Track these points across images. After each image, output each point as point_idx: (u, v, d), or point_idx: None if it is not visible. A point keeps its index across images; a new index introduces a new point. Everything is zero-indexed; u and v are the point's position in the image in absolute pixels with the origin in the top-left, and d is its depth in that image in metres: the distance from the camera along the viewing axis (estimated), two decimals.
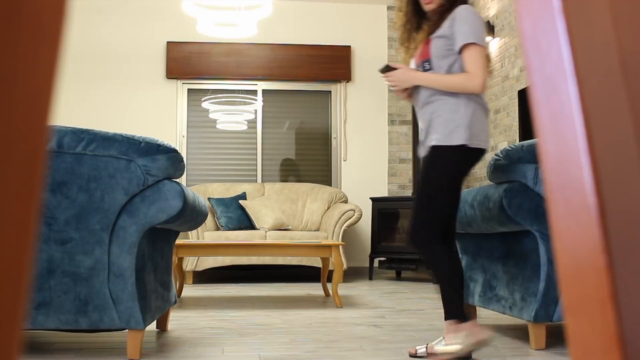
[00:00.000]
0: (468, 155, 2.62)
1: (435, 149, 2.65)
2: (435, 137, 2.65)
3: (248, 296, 4.98)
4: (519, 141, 6.22)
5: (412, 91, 2.79)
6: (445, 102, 2.65)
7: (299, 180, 7.50)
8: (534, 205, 2.80)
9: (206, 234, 6.25)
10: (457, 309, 2.62)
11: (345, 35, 7.58)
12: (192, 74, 7.31)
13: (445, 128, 2.62)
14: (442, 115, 2.64)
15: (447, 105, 2.64)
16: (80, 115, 6.99)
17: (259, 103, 7.28)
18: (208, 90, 7.29)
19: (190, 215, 2.88)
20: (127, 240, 2.62)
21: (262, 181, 7.41)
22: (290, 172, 7.60)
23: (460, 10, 2.64)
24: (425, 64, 2.73)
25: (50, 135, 0.38)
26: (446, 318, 2.64)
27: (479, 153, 2.64)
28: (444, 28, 2.67)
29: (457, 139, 2.58)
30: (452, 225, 2.78)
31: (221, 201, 6.60)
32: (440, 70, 2.66)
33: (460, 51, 2.63)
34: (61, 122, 3.11)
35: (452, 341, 2.60)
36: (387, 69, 2.75)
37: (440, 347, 2.64)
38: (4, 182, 0.33)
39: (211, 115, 7.08)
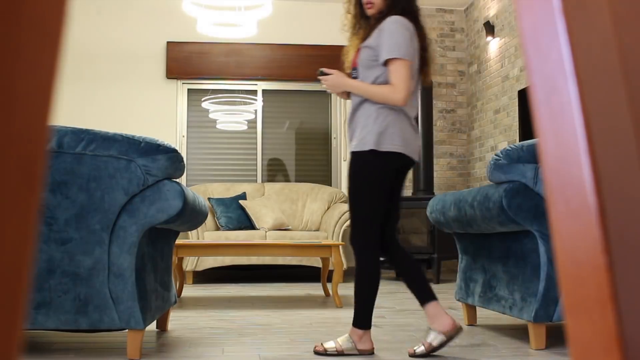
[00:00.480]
0: (380, 159, 2.72)
1: (352, 155, 2.79)
2: (354, 143, 2.79)
3: (248, 296, 4.98)
4: (519, 141, 6.22)
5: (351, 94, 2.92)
6: (367, 109, 2.78)
7: (299, 180, 7.50)
8: (534, 205, 2.80)
9: (206, 234, 6.25)
10: (364, 318, 2.81)
11: (346, 35, 7.57)
12: (192, 74, 7.31)
13: (360, 135, 2.76)
14: (361, 122, 2.78)
15: (367, 113, 2.77)
16: (80, 115, 6.99)
17: (259, 103, 7.28)
18: (208, 90, 7.29)
19: (190, 215, 2.88)
20: (127, 240, 2.62)
21: (262, 181, 7.41)
22: (280, 171, 7.59)
23: (388, 23, 2.71)
24: (354, 72, 2.90)
25: (50, 135, 0.38)
26: (354, 324, 2.82)
27: (394, 157, 2.73)
28: (372, 38, 2.77)
29: (367, 144, 2.71)
30: (389, 227, 2.93)
31: (221, 201, 6.60)
32: (366, 80, 2.78)
33: (385, 64, 2.72)
34: (61, 122, 3.11)
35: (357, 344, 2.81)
36: (322, 74, 2.91)
37: (431, 337, 2.75)
38: (4, 182, 0.33)
39: (211, 115, 7.08)
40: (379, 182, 2.75)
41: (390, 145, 2.70)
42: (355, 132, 2.79)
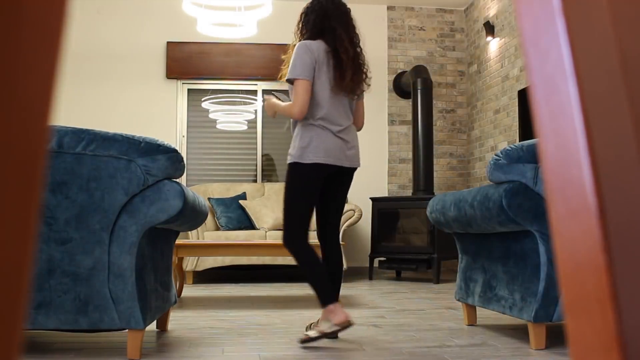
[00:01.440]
0: (305, 169, 3.12)
1: (287, 166, 3.22)
2: (288, 157, 3.22)
3: (248, 296, 4.98)
4: (519, 141, 6.22)
5: None
6: (296, 127, 3.23)
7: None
8: (534, 205, 2.80)
9: (206, 234, 6.25)
10: (325, 296, 3.03)
11: None
12: (192, 74, 7.31)
13: (290, 150, 3.21)
14: (293, 138, 3.24)
15: (295, 131, 3.23)
16: (80, 115, 6.99)
17: (259, 103, 7.28)
18: (208, 90, 7.29)
19: (190, 215, 2.88)
20: (127, 240, 2.62)
21: (262, 181, 7.41)
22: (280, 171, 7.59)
23: (295, 48, 3.19)
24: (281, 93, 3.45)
25: (50, 135, 0.38)
26: (321, 305, 3.05)
27: (316, 167, 3.11)
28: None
29: (292, 158, 3.14)
30: (329, 226, 3.31)
31: (221, 201, 6.60)
32: (292, 99, 3.19)
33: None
34: (61, 122, 3.11)
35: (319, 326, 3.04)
36: (271, 94, 3.46)
37: (324, 326, 3.01)
38: (4, 182, 0.33)
39: (211, 115, 7.08)
40: (301, 190, 3.14)
41: (313, 157, 3.10)
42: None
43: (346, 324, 2.96)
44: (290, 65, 3.13)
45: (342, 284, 5.80)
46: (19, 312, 0.34)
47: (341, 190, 3.30)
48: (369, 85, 3.36)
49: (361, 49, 3.33)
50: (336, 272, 3.27)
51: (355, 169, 3.28)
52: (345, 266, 5.94)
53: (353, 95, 3.25)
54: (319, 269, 3.08)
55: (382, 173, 7.59)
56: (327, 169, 3.12)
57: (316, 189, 3.15)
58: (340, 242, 3.43)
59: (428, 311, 4.16)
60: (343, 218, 6.34)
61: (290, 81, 3.12)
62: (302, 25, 3.25)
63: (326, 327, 2.97)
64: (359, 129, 3.43)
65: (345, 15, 3.23)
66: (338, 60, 3.13)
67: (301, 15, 3.27)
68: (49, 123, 0.35)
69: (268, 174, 7.51)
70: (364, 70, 3.29)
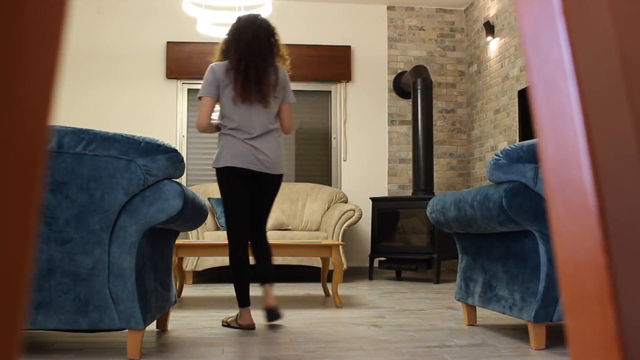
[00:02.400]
0: (220, 173, 3.57)
1: None
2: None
3: None
4: (519, 141, 6.22)
5: None
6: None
7: (299, 180, 7.50)
8: (534, 205, 2.80)
9: (206, 234, 6.25)
10: (238, 298, 3.53)
11: (345, 35, 7.58)
12: (192, 74, 7.31)
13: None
14: None
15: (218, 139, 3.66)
16: (80, 115, 6.99)
17: None
18: None
19: (190, 215, 2.88)
20: (127, 240, 2.62)
21: None
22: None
23: None
24: None
25: (50, 135, 0.38)
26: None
27: (226, 170, 3.52)
28: None
29: (212, 163, 3.59)
30: (254, 226, 3.66)
31: (221, 201, 6.60)
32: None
33: None
34: (61, 122, 3.11)
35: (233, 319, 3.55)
36: None
37: (232, 319, 3.55)
38: (4, 182, 0.33)
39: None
40: (223, 190, 3.57)
41: (223, 162, 3.52)
42: None
43: (249, 327, 3.46)
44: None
45: (342, 284, 5.82)
46: (19, 312, 0.34)
47: (261, 195, 3.64)
48: (287, 96, 3.66)
49: (276, 59, 3.61)
50: (266, 267, 3.66)
51: (275, 176, 3.59)
52: (345, 266, 5.94)
53: (266, 103, 3.53)
54: (240, 275, 3.54)
55: (382, 173, 7.59)
56: (237, 171, 3.51)
57: (236, 190, 3.55)
58: (268, 242, 3.74)
59: (428, 311, 4.16)
60: (343, 218, 6.34)
61: (199, 98, 3.56)
62: (220, 49, 3.66)
63: (233, 321, 3.52)
64: (287, 133, 3.73)
65: (254, 31, 3.55)
66: (240, 76, 3.48)
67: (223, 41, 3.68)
68: (49, 123, 0.35)
69: None
70: (275, 77, 3.57)
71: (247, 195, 3.58)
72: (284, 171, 3.66)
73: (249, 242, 3.63)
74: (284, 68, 3.69)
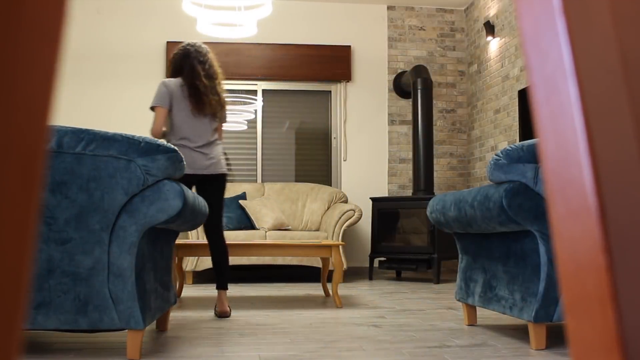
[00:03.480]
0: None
1: None
2: None
3: (248, 296, 4.98)
4: (519, 141, 6.22)
5: None
6: None
7: (299, 180, 7.50)
8: (534, 205, 2.80)
9: None
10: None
11: (345, 35, 7.58)
12: None
13: None
14: None
15: None
16: (80, 115, 6.99)
17: (259, 103, 7.28)
18: None
19: (190, 215, 2.88)
20: (127, 240, 2.62)
21: (262, 181, 7.41)
22: (280, 171, 7.59)
23: None
24: None
25: (50, 135, 0.38)
26: None
27: (184, 176, 3.77)
28: None
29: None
30: (210, 228, 4.04)
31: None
32: None
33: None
34: (61, 122, 3.11)
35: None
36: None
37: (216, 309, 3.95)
38: (4, 182, 0.33)
39: None
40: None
41: None
42: None
43: (223, 315, 3.84)
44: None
45: (342, 284, 5.82)
46: (18, 312, 0.34)
47: (214, 194, 3.99)
48: (225, 116, 4.08)
49: (218, 83, 4.03)
50: (221, 262, 4.02)
51: (220, 175, 4.00)
52: (345, 266, 5.94)
53: (214, 117, 3.97)
54: (215, 262, 4.03)
55: (382, 173, 7.59)
56: (192, 177, 3.89)
57: (198, 192, 3.98)
58: (224, 238, 4.07)
59: (428, 311, 4.16)
60: (343, 218, 6.34)
61: (152, 108, 3.87)
62: (170, 66, 4.07)
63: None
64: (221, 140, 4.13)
65: (203, 56, 4.05)
66: (193, 91, 3.88)
67: (170, 60, 4.11)
68: (48, 123, 0.35)
69: (272, 174, 7.51)
70: (222, 100, 3.99)
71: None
72: None
73: (207, 240, 4.07)
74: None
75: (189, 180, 3.88)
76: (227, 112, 4.11)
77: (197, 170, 3.89)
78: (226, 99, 4.07)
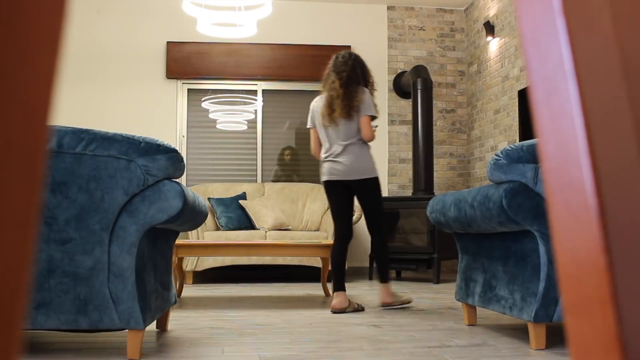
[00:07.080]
0: (324, 185, 4.47)
1: None
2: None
3: (248, 296, 4.98)
4: (519, 141, 6.22)
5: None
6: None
7: (299, 180, 7.50)
8: (534, 205, 2.80)
9: (206, 234, 6.25)
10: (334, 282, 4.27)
11: (345, 35, 7.57)
12: (192, 74, 7.31)
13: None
14: None
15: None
16: (80, 115, 6.99)
17: (259, 103, 7.28)
18: (208, 90, 7.29)
19: (190, 215, 2.88)
20: (127, 240, 2.62)
21: (262, 181, 7.41)
22: (280, 171, 7.59)
23: None
24: None
25: (50, 135, 0.38)
26: None
27: (325, 183, 4.42)
28: None
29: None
30: (369, 225, 4.39)
31: (221, 201, 6.60)
32: None
33: None
34: (61, 122, 3.11)
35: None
36: None
37: None
38: (4, 182, 0.33)
39: (211, 115, 7.08)
40: (327, 198, 4.44)
41: (321, 176, 4.42)
42: None
43: (337, 310, 4.04)
44: None
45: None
46: (18, 312, 0.34)
47: (363, 199, 4.32)
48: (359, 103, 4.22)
49: (354, 84, 4.23)
50: (377, 258, 4.37)
51: (357, 180, 4.22)
52: (345, 266, 5.94)
53: (349, 118, 4.20)
54: (333, 265, 4.30)
55: (382, 173, 7.59)
56: (330, 182, 4.29)
57: (333, 199, 4.36)
58: (382, 239, 4.34)
59: (428, 311, 4.16)
60: None
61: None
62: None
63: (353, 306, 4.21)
64: (369, 140, 4.29)
65: (343, 65, 4.27)
66: (328, 101, 4.22)
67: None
68: (49, 123, 0.35)
69: (271, 174, 7.51)
70: (355, 98, 4.20)
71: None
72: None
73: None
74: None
75: (328, 184, 4.38)
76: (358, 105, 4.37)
77: (331, 177, 4.34)
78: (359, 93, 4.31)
